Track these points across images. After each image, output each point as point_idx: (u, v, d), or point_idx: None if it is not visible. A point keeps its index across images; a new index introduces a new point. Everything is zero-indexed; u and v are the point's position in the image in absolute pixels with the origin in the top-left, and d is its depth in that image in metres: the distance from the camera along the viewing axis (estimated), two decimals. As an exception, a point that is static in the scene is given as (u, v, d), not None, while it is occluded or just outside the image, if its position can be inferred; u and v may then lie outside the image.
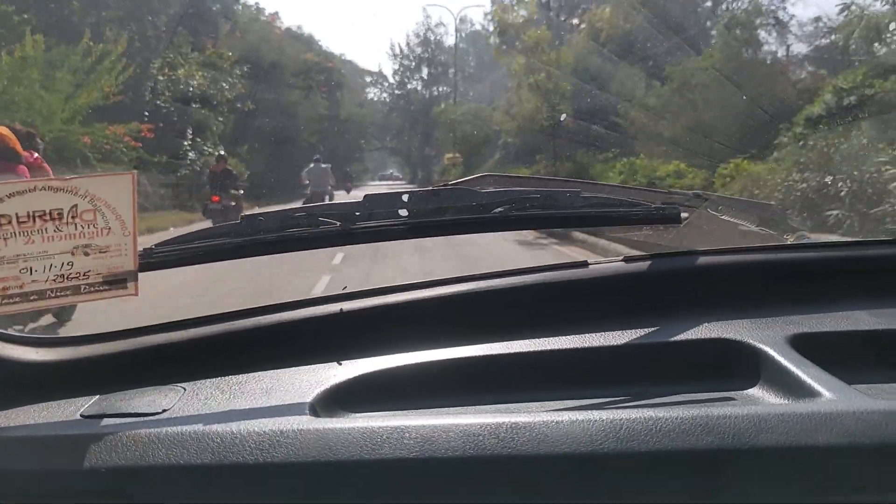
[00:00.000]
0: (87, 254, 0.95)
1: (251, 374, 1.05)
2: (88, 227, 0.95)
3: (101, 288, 0.97)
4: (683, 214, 1.35)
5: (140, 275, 1.00)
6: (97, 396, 1.00)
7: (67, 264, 0.95)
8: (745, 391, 1.03)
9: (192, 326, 1.12)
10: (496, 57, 25.79)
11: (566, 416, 0.85)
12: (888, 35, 13.02)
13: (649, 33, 20.09)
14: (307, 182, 18.76)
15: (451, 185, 1.30)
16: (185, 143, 23.36)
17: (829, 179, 9.19)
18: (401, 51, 65.20)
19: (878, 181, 8.54)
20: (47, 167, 6.17)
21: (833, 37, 15.82)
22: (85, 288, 0.96)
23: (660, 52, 19.62)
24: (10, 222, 0.90)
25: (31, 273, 0.93)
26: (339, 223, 1.18)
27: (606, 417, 0.84)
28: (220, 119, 25.99)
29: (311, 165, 19.08)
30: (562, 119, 23.11)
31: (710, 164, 12.73)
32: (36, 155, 5.95)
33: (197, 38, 27.40)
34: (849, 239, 1.41)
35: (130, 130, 19.08)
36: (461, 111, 41.31)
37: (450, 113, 41.65)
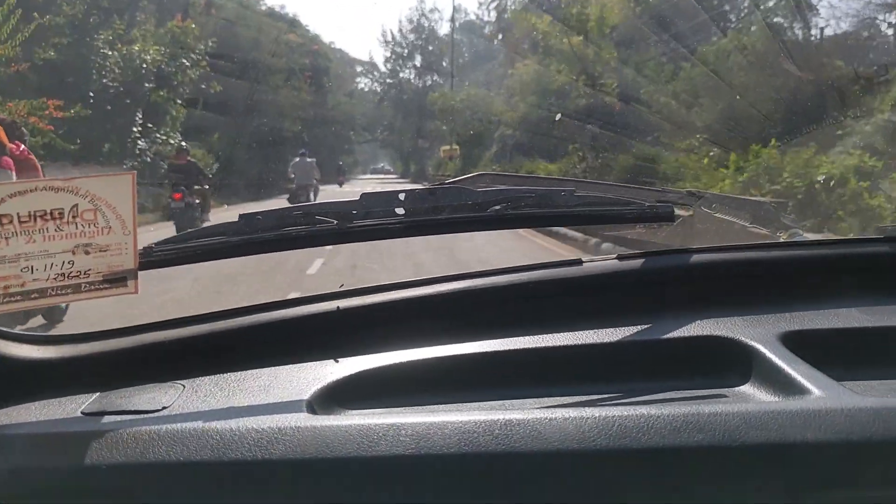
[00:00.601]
0: (87, 252, 0.97)
1: (249, 372, 1.07)
2: (89, 227, 0.96)
3: (101, 286, 0.99)
4: (678, 212, 1.36)
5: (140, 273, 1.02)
6: (98, 394, 1.02)
7: (68, 263, 0.96)
8: (737, 388, 1.04)
9: (190, 324, 1.13)
10: (512, 17, 22.49)
11: (559, 413, 0.87)
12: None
13: (672, 12, 18.36)
14: (293, 175, 19.08)
15: (448, 184, 1.31)
16: (135, 129, 19.47)
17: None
18: (393, 37, 61.81)
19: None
20: (34, 160, 5.95)
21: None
22: (85, 286, 0.98)
23: (684, 32, 18.09)
24: (11, 222, 0.91)
25: (32, 272, 0.94)
26: (336, 222, 1.19)
27: (599, 415, 0.86)
28: (180, 102, 22.20)
29: (297, 159, 19.52)
30: (557, 119, 21.78)
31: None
32: (22, 147, 5.77)
33: (164, 14, 23.74)
34: (840, 237, 1.42)
35: (34, 109, 15.07)
36: (460, 97, 37.87)
37: (447, 99, 38.43)
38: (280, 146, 35.19)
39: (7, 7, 14.19)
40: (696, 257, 1.27)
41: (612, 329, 1.13)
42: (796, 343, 1.06)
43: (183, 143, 16.32)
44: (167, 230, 9.77)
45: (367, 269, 8.41)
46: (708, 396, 1.03)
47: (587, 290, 1.25)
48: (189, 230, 1.16)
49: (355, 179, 52.29)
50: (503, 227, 1.29)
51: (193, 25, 23.24)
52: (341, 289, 1.21)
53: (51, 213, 0.93)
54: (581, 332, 1.12)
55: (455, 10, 66.47)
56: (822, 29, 15.27)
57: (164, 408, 0.97)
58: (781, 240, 1.61)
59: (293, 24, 43.85)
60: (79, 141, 16.10)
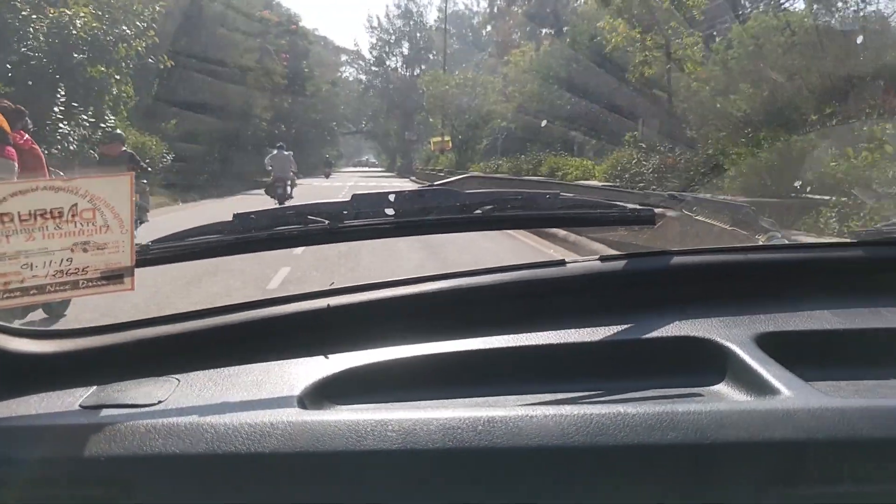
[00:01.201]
0: (85, 250, 0.99)
1: (242, 367, 1.09)
2: (88, 225, 0.98)
3: (98, 283, 1.01)
4: (658, 211, 1.40)
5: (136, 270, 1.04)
6: (95, 387, 1.04)
7: (67, 260, 0.98)
8: (712, 387, 1.08)
9: (186, 320, 1.15)
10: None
11: (540, 411, 0.90)
12: None
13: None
14: (270, 168, 19.13)
15: (436, 185, 1.35)
16: (56, 109, 15.89)
17: None
18: (379, 23, 58.97)
19: None
20: (38, 150, 5.72)
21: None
22: (83, 283, 1.00)
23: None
24: (12, 220, 0.94)
25: (31, 268, 0.97)
26: (327, 222, 1.22)
27: (578, 412, 0.89)
28: (119, 78, 18.17)
29: (275, 152, 19.51)
30: (542, 125, 20.63)
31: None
32: (26, 136, 5.58)
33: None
34: (816, 241, 1.46)
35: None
36: (455, 80, 33.47)
37: (440, 82, 33.53)
38: (251, 136, 31.20)
39: None
40: (676, 259, 1.31)
41: (593, 329, 1.16)
42: (770, 344, 1.09)
43: (117, 131, 13.23)
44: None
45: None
46: (684, 395, 1.07)
47: (570, 291, 1.29)
48: (185, 229, 1.19)
49: (339, 172, 50.01)
50: (490, 229, 1.33)
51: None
52: (331, 287, 1.24)
53: (51, 212, 0.96)
54: (563, 332, 1.16)
55: (442, -1, 61.76)
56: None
57: (160, 402, 0.99)
58: (760, 243, 1.64)
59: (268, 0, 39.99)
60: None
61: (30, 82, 15.49)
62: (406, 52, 58.50)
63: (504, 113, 26.10)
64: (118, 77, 18.34)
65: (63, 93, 16.21)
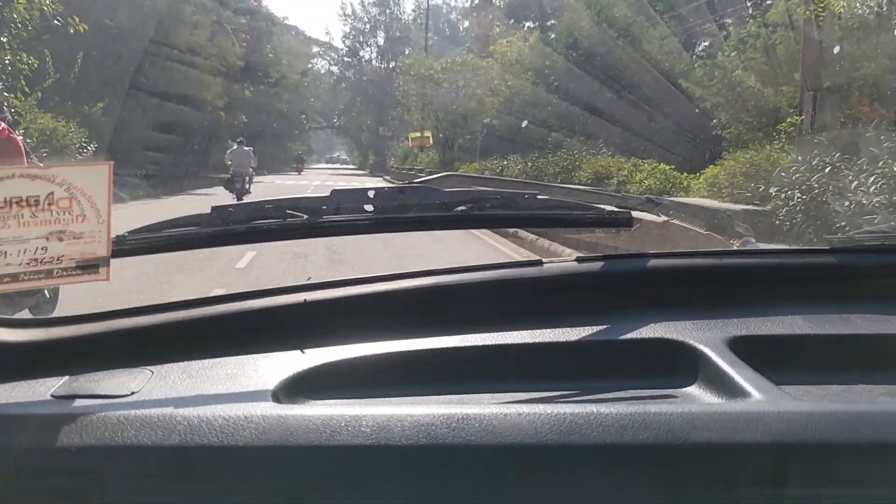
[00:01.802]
0: (61, 239, 0.98)
1: (217, 360, 1.09)
2: (64, 214, 0.97)
3: (73, 272, 1.00)
4: (636, 215, 1.41)
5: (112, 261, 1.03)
6: (68, 377, 1.03)
7: (42, 249, 0.98)
8: (684, 389, 1.09)
9: (160, 311, 1.15)
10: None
11: (514, 409, 0.91)
12: None
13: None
14: (230, 162, 19.28)
15: (417, 182, 1.35)
16: None
17: None
18: (353, 10, 55.17)
19: None
20: (17, 140, 5.44)
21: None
22: (58, 272, 0.99)
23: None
24: (-14, 208, 0.93)
25: (5, 256, 0.96)
26: (306, 216, 1.22)
27: (551, 411, 0.90)
28: (5, 40, 13.99)
29: (235, 147, 19.72)
30: (523, 126, 19.27)
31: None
32: (2, 125, 5.34)
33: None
34: (790, 247, 1.49)
35: None
36: (440, 65, 28.70)
37: (422, 66, 29.25)
38: (207, 127, 26.71)
39: None
40: (652, 262, 1.32)
41: (568, 329, 1.17)
42: (742, 348, 1.11)
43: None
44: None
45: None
46: (657, 396, 1.08)
47: (547, 291, 1.29)
48: (162, 220, 1.18)
49: (308, 168, 47.78)
50: (467, 227, 1.33)
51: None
52: (308, 281, 1.24)
53: (27, 200, 0.95)
54: (539, 331, 1.16)
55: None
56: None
57: (132, 393, 0.99)
58: (734, 247, 1.66)
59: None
60: None
61: None
62: (381, 42, 55.52)
63: (489, 108, 23.34)
64: (4, 40, 14.11)
65: None
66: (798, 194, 8.33)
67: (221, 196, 17.29)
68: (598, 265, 1.30)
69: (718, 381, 1.04)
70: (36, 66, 15.14)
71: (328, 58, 58.53)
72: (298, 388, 1.04)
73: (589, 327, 1.18)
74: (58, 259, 0.99)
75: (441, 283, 1.25)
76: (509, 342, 1.14)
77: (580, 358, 1.15)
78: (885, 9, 10.43)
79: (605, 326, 1.18)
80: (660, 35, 17.97)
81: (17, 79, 14.91)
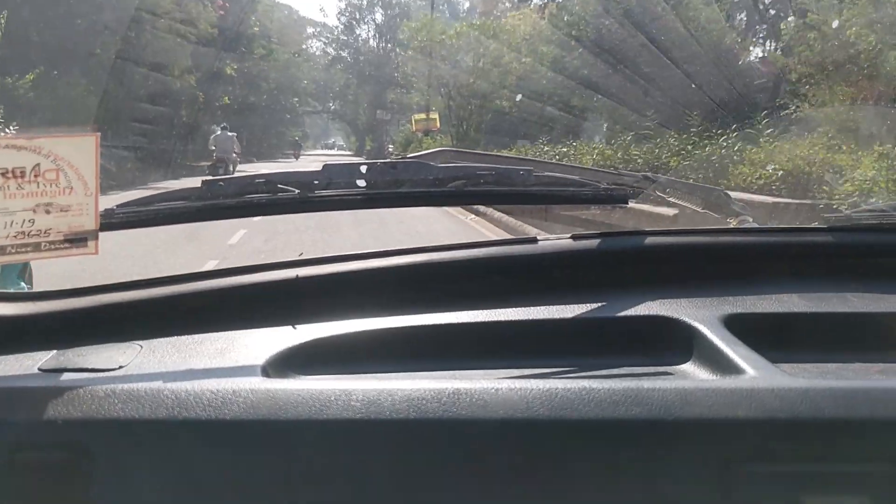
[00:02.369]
0: (48, 212, 0.97)
1: (207, 335, 1.08)
2: (51, 186, 0.96)
3: (61, 246, 0.99)
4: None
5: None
6: (55, 351, 1.02)
7: (29, 221, 0.96)
8: (679, 366, 1.09)
9: (150, 286, 1.14)
10: None
11: (505, 384, 0.91)
12: None
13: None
14: (213, 148, 19.44)
15: (409, 158, 1.34)
16: None
17: None
18: None
19: None
20: None
21: None
22: (45, 245, 0.98)
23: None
24: (-28, 179, 0.91)
25: None
26: (297, 191, 1.21)
27: (543, 387, 0.90)
28: None
29: (219, 132, 19.76)
30: (517, 99, 17.18)
31: None
32: None
33: None
34: (787, 225, 1.48)
35: None
36: (453, 30, 23.50)
37: (430, 33, 24.11)
38: (174, 105, 21.82)
39: None
40: (648, 240, 1.31)
41: (563, 306, 1.16)
42: (738, 325, 1.10)
43: None
44: None
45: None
46: (651, 373, 1.07)
47: (541, 268, 1.29)
48: (151, 194, 1.17)
49: (302, 155, 45.20)
50: (461, 203, 1.33)
51: None
52: (301, 257, 1.23)
53: (12, 172, 0.93)
54: (533, 308, 1.16)
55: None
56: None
57: (120, 367, 0.98)
58: (731, 226, 1.65)
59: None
60: None
61: None
62: (379, 20, 52.62)
63: (522, 79, 18.83)
64: None
65: None
66: None
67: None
68: (593, 242, 1.29)
69: (713, 358, 1.04)
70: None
71: (323, 39, 55.53)
72: (289, 363, 1.03)
73: (583, 304, 1.17)
74: (45, 232, 0.98)
75: (434, 260, 1.24)
76: (503, 319, 1.14)
77: (574, 335, 1.15)
78: None
79: (599, 304, 1.18)
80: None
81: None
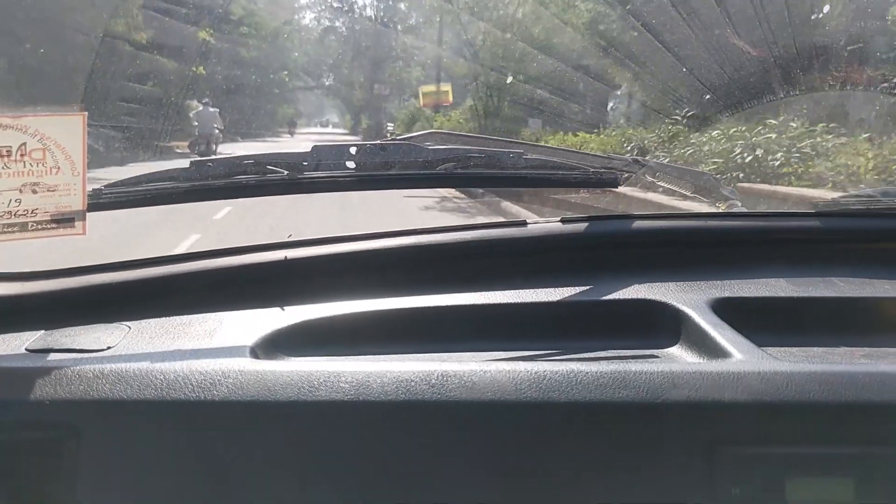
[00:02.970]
0: (35, 192, 0.96)
1: (195, 316, 1.08)
2: (37, 166, 0.95)
3: (48, 226, 0.98)
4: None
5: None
6: (42, 331, 1.02)
7: (15, 201, 0.95)
8: (667, 349, 1.09)
9: (139, 267, 1.13)
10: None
11: (494, 367, 0.91)
12: None
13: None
14: (196, 124, 18.86)
15: (399, 139, 1.33)
16: None
17: None
18: None
19: None
20: None
21: None
22: (32, 225, 0.97)
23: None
24: (-43, 158, 0.90)
25: None
26: (286, 172, 1.20)
27: (532, 369, 0.90)
28: None
29: (201, 108, 19.21)
30: (508, 81, 14.05)
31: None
32: None
33: None
34: (775, 210, 1.48)
35: None
36: None
37: None
38: (135, 75, 16.28)
39: None
40: (637, 223, 1.31)
41: (552, 289, 1.17)
42: (725, 309, 1.11)
43: None
44: None
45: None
46: (639, 356, 1.08)
47: (531, 251, 1.29)
48: (140, 174, 1.16)
49: (296, 133, 43.12)
50: (451, 186, 1.33)
51: None
52: (289, 238, 1.23)
53: None
54: (522, 291, 1.16)
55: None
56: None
57: (108, 347, 0.98)
58: (720, 210, 1.66)
59: None
60: None
61: None
62: None
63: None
64: None
65: None
66: None
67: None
68: (582, 226, 1.30)
69: (700, 341, 1.04)
70: None
71: (316, 10, 51.44)
72: (278, 344, 1.03)
73: (572, 288, 1.17)
74: (32, 212, 0.97)
75: (424, 243, 1.24)
76: (492, 301, 1.14)
77: (563, 318, 1.15)
78: None
79: (588, 287, 1.18)
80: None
81: None
